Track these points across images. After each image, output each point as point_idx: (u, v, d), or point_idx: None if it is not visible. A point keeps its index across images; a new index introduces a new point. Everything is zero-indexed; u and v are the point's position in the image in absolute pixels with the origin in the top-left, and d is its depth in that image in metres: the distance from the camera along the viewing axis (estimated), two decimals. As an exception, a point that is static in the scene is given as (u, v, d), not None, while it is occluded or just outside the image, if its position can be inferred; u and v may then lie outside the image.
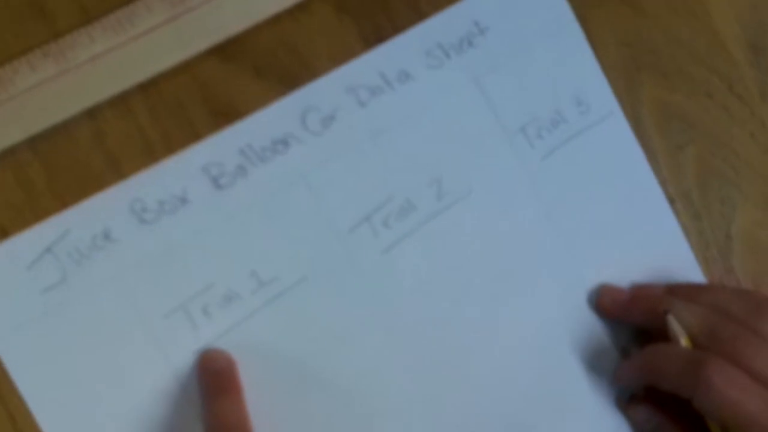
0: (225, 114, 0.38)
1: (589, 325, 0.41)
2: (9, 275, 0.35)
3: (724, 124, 0.44)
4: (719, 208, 0.43)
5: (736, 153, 0.44)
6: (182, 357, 0.37)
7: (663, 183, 0.43)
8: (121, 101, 0.36)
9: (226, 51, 0.38)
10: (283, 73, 0.39)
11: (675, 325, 0.37)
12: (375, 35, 0.40)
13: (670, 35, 0.43)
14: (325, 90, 0.39)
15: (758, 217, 0.43)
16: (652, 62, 0.43)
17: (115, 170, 0.36)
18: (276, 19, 0.38)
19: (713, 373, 0.34)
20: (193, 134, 0.37)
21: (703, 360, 0.35)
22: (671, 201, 0.43)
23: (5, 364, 0.35)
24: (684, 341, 0.36)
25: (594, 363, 0.41)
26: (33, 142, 0.35)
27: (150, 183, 0.37)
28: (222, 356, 0.36)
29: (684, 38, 0.44)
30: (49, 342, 0.36)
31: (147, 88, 0.37)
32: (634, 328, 0.41)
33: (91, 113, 0.36)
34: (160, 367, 0.37)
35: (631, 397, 0.40)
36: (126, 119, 0.36)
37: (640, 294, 0.40)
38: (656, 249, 0.43)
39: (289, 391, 0.38)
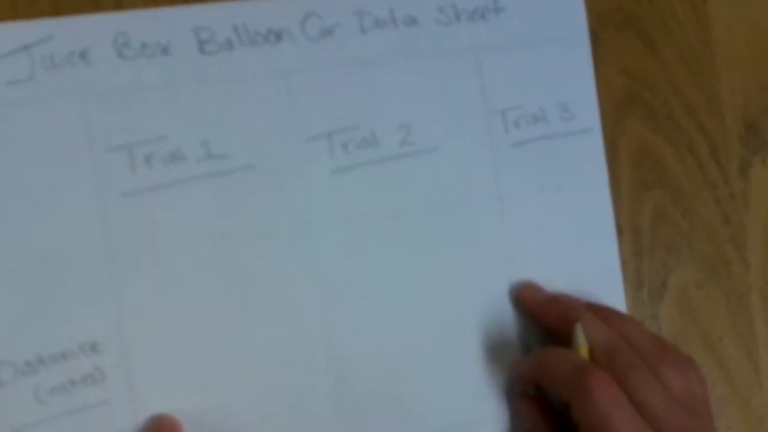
0: (235, -7, 0.40)
1: (503, 315, 0.42)
2: (-20, 58, 0.37)
3: (695, 182, 0.45)
4: (663, 255, 0.44)
5: (697, 212, 0.45)
6: (110, 194, 0.38)
7: (618, 212, 0.44)
8: (142, -63, 0.38)
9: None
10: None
11: (579, 335, 0.38)
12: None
13: (672, 81, 0.45)
14: (334, 3, 0.41)
15: (698, 278, 0.44)
16: (646, 99, 0.45)
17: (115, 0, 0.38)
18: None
19: (596, 384, 0.35)
20: (198, -5, 0.39)
21: (591, 370, 0.35)
22: (620, 232, 0.44)
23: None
24: (583, 351, 0.37)
25: (495, 351, 0.42)
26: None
27: (140, 23, 0.39)
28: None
29: (684, 89, 0.45)
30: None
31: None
32: (543, 331, 0.42)
33: (111, -63, 0.38)
34: (86, 197, 0.38)
35: (523, 392, 0.41)
36: (145, -43, 0.39)
37: (559, 299, 0.41)
38: (589, 270, 0.44)
39: (198, 268, 0.39)
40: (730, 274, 0.45)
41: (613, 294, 0.44)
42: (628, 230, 0.44)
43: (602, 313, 0.39)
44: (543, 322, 0.41)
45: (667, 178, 0.45)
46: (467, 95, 0.43)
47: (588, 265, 0.44)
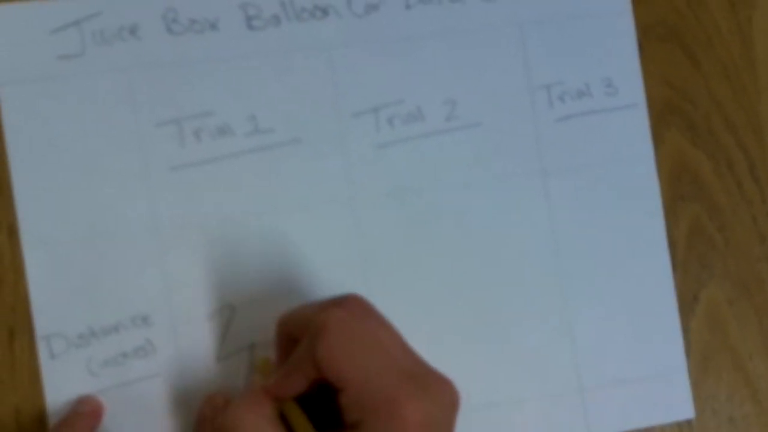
0: (281, -32, 0.40)
1: (547, 288, 0.42)
2: (32, 33, 0.38)
3: (732, 198, 0.45)
4: (697, 269, 0.44)
5: (732, 228, 0.45)
6: (159, 168, 0.39)
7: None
8: None
9: None
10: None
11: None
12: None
13: (713, 96, 0.45)
14: (380, -22, 0.42)
15: (730, 295, 0.44)
16: (687, 111, 0.45)
17: (164, -26, 0.39)
18: None
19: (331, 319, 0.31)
20: (245, -29, 0.40)
21: (329, 308, 0.31)
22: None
23: (3, 113, 0.38)
24: None
25: (538, 326, 0.42)
26: None
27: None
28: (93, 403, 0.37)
29: (726, 105, 0.45)
30: (48, 106, 0.38)
31: None
32: (587, 306, 0.42)
33: None
34: (135, 171, 0.39)
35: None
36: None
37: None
38: (634, 245, 0.44)
39: (245, 241, 0.40)
40: (763, 293, 0.44)
41: (658, 269, 0.44)
42: (663, 243, 0.44)
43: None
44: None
45: (704, 191, 0.45)
46: (511, 70, 0.43)
47: (633, 240, 0.44)
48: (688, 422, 0.42)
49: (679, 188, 0.44)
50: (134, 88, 0.39)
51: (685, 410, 0.43)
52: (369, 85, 0.41)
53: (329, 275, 0.40)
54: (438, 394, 0.31)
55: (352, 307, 0.32)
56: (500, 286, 0.42)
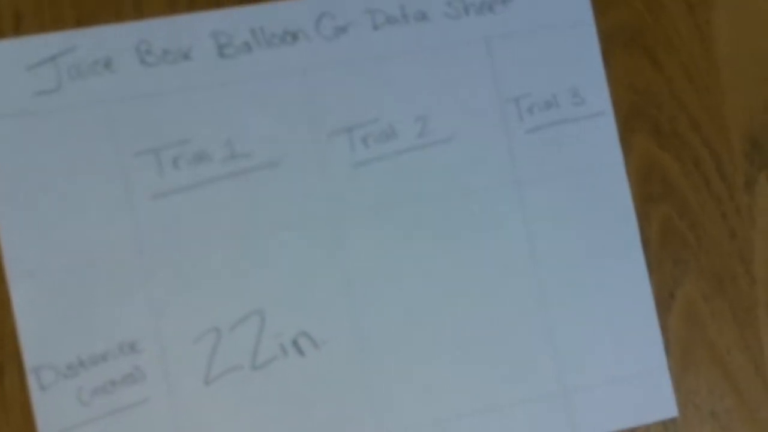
0: (251, -3, 0.44)
1: (525, 296, 0.45)
2: (9, 70, 0.41)
3: (701, 196, 0.48)
4: (671, 267, 0.47)
5: (703, 226, 0.47)
6: (140, 197, 0.42)
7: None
8: (161, -53, 0.42)
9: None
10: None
11: None
12: (408, -29, 0.45)
13: (677, 98, 0.48)
14: (347, 2, 0.44)
15: (705, 290, 0.47)
16: (652, 115, 0.48)
17: (136, 8, 0.42)
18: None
19: None
20: (215, 2, 0.43)
21: None
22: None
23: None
24: None
25: (516, 334, 0.45)
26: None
27: (161, 30, 0.42)
28: None
29: (690, 106, 0.48)
30: (27, 141, 0.41)
31: (188, -56, 0.43)
32: (566, 316, 0.45)
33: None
34: (117, 200, 0.41)
35: None
36: (162, -34, 0.42)
37: None
38: (610, 249, 0.47)
39: (228, 264, 0.42)
40: (737, 288, 0.47)
41: (634, 269, 0.47)
42: (636, 243, 0.47)
43: None
44: None
45: (673, 192, 0.47)
46: (480, 85, 0.46)
47: (607, 242, 0.46)
48: (673, 420, 0.45)
49: (649, 189, 0.47)
50: (112, 120, 0.41)
51: (669, 409, 0.45)
52: (342, 106, 0.44)
53: (314, 292, 0.43)
54: None
55: None
56: (481, 295, 0.45)
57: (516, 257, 0.45)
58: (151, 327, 0.41)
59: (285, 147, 0.43)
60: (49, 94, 0.41)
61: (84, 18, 0.42)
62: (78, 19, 0.42)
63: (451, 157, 0.45)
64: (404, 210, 0.44)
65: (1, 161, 0.40)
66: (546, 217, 0.46)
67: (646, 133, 0.47)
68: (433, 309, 0.44)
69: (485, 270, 0.45)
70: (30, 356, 0.39)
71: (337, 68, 0.44)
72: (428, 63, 0.45)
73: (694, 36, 0.48)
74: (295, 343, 0.42)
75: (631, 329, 0.46)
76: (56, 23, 0.41)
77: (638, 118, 0.48)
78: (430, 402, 0.43)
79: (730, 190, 0.48)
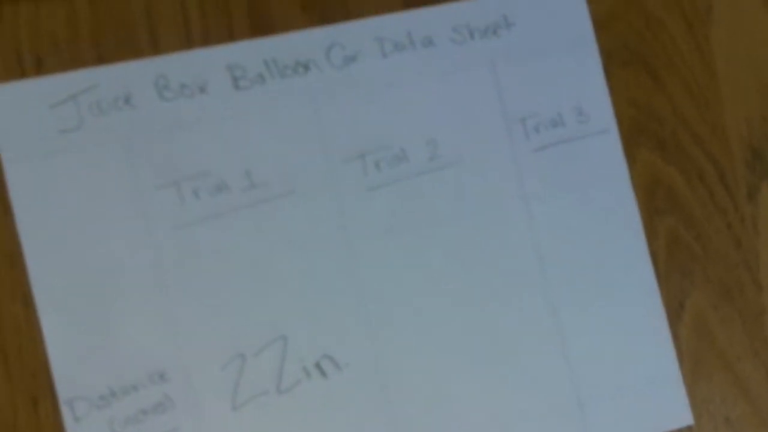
0: (262, 30, 0.45)
1: (536, 311, 0.47)
2: (34, 109, 0.42)
3: (706, 208, 0.49)
4: (679, 278, 0.49)
5: (708, 237, 0.49)
6: (162, 227, 0.43)
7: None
8: (177, -13, 0.44)
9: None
10: (326, 13, 0.46)
11: None
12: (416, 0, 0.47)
13: (678, 113, 0.50)
14: (355, 32, 0.46)
15: (713, 300, 0.49)
16: (654, 130, 0.49)
17: (153, 44, 0.43)
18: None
19: None
20: (229, 36, 0.44)
21: None
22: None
23: (9, 188, 0.41)
24: None
25: (529, 352, 0.46)
26: (92, -6, 0.43)
27: (178, 65, 0.44)
28: None
29: (691, 120, 0.50)
30: (53, 177, 0.42)
31: (205, -17, 0.44)
32: (579, 331, 0.47)
33: (149, -12, 0.43)
34: (140, 232, 0.43)
35: None
36: (177, 4, 0.44)
37: None
38: (619, 263, 0.48)
39: (248, 291, 0.44)
40: (744, 296, 0.49)
41: (644, 281, 0.48)
42: (644, 255, 0.49)
43: None
44: None
45: (678, 204, 0.49)
46: (487, 107, 0.48)
47: (616, 256, 0.48)
48: (689, 427, 0.47)
49: (655, 203, 0.49)
50: (133, 154, 0.43)
51: (684, 417, 0.47)
52: (355, 132, 0.46)
53: (333, 315, 0.44)
54: None
55: None
56: (494, 312, 0.46)
57: (527, 273, 0.47)
58: (179, 356, 0.42)
59: (301, 174, 0.45)
60: (72, 132, 0.42)
61: (103, 56, 0.43)
62: (98, 57, 0.43)
63: (461, 179, 0.47)
64: (417, 232, 0.46)
65: (28, 198, 0.42)
66: (555, 233, 0.47)
67: (649, 148, 0.49)
68: (447, 327, 0.45)
69: (497, 287, 0.46)
70: (63, 389, 0.41)
71: (348, 96, 0.46)
72: (436, 87, 0.47)
73: (693, 52, 0.50)
74: (318, 365, 0.44)
75: (643, 340, 0.47)
76: (76, 62, 0.43)
77: (641, 133, 0.49)
78: (447, 418, 0.45)
79: (734, 200, 0.49)
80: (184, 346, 0.42)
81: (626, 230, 0.48)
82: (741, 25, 0.50)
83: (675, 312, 0.48)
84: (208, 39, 0.44)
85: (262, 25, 0.45)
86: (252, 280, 0.43)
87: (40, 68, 0.43)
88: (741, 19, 0.51)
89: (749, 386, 0.48)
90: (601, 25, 0.49)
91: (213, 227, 0.43)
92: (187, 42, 0.44)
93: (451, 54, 0.48)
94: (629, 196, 0.49)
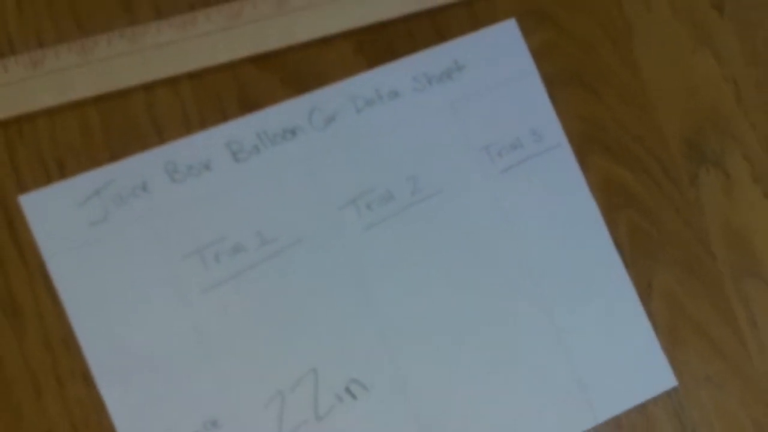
0: (251, 107, 0.51)
1: (531, 322, 0.53)
2: (65, 208, 0.48)
3: (656, 197, 0.55)
4: (643, 261, 0.54)
5: (662, 222, 0.55)
6: (193, 292, 0.49)
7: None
8: (172, 82, 0.50)
9: (262, 61, 0.52)
10: (303, 83, 0.52)
11: None
12: (377, 60, 0.54)
13: (619, 120, 0.56)
14: (330, 95, 0.53)
15: (677, 275, 0.54)
16: (601, 137, 0.55)
17: (158, 135, 0.50)
18: (305, 45, 0.53)
19: None
20: (222, 117, 0.51)
21: None
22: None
23: (55, 281, 0.47)
24: None
25: (536, 366, 0.53)
26: (98, 101, 0.49)
27: (183, 150, 0.50)
28: None
29: (629, 125, 0.56)
30: (90, 265, 0.48)
31: (195, 76, 0.50)
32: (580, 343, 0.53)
33: (147, 87, 0.50)
34: (173, 299, 0.48)
35: None
36: (174, 97, 0.50)
37: None
38: (589, 254, 0.55)
39: (274, 332, 0.50)
40: (703, 267, 0.55)
41: (614, 270, 0.53)
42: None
43: None
44: None
45: (632, 198, 0.55)
46: (454, 141, 0.54)
47: (587, 253, 0.53)
48: (675, 389, 0.53)
49: (612, 200, 0.55)
50: (156, 233, 0.49)
51: (669, 380, 0.53)
52: (344, 181, 0.52)
53: (354, 344, 0.50)
54: None
55: None
56: (495, 321, 0.51)
57: (518, 278, 0.53)
58: (226, 402, 0.48)
59: (305, 225, 0.51)
60: (101, 223, 0.48)
61: (115, 152, 0.49)
62: (111, 154, 0.49)
63: (444, 206, 0.53)
64: (415, 258, 0.52)
65: (72, 286, 0.47)
66: (533, 237, 0.54)
67: (599, 153, 0.55)
68: (455, 338, 0.51)
69: (494, 298, 0.52)
70: (131, 448, 0.46)
71: (333, 151, 0.52)
72: (407, 131, 0.54)
73: (622, 66, 0.56)
74: (347, 390, 0.50)
75: (623, 320, 0.53)
76: (93, 162, 0.49)
77: (590, 142, 0.55)
78: (466, 417, 0.51)
79: (679, 187, 0.56)
80: (228, 393, 0.48)
81: (591, 227, 0.55)
82: (658, 36, 0.57)
83: (645, 291, 0.54)
84: (204, 122, 0.50)
85: (249, 103, 0.51)
86: (278, 325, 0.49)
87: (63, 172, 0.48)
88: (657, 31, 0.57)
89: (721, 345, 0.54)
90: (540, 54, 0.55)
91: (236, 285, 0.49)
92: (186, 128, 0.50)
93: (415, 101, 0.54)
94: (588, 197, 0.55)
